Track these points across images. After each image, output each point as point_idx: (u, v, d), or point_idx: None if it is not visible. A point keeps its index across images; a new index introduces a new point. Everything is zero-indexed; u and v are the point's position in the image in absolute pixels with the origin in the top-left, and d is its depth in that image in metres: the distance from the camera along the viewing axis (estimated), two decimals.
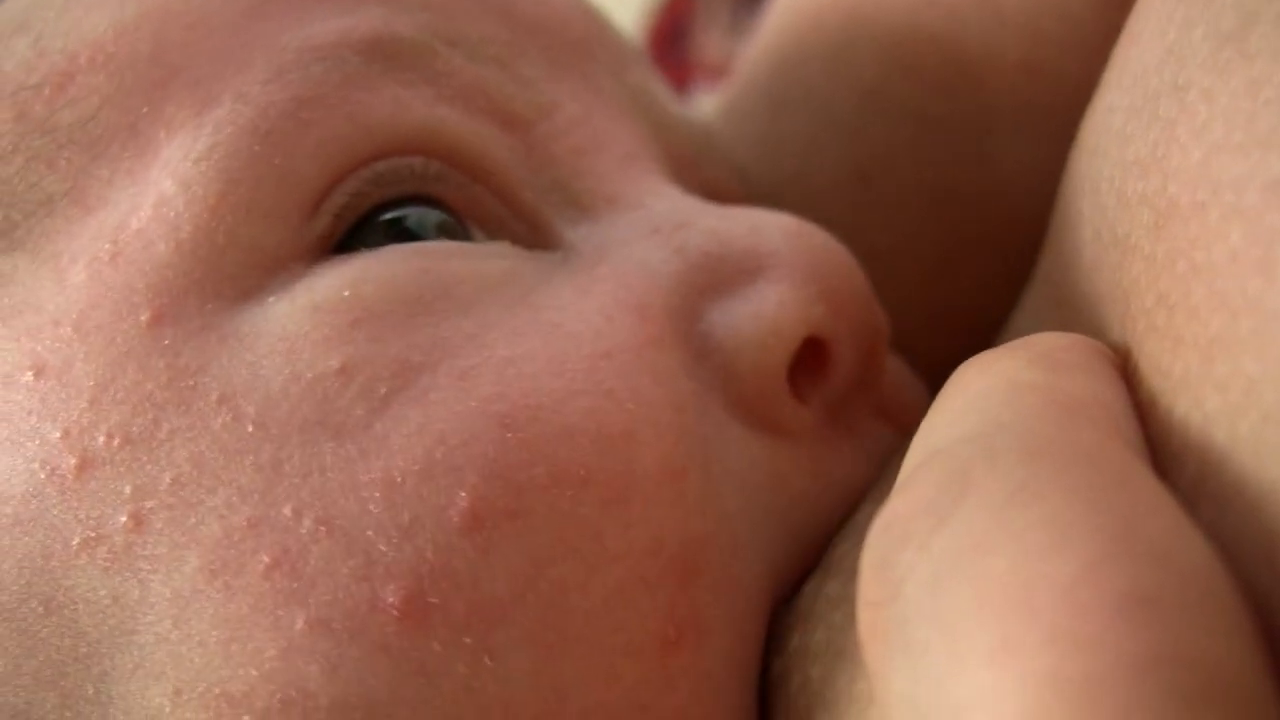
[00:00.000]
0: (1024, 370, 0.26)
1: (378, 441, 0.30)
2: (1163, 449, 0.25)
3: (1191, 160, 0.26)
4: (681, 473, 0.30)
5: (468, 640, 0.28)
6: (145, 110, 0.33)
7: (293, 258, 0.32)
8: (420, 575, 0.28)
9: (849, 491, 0.34)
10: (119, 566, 0.30)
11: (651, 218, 0.35)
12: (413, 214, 0.34)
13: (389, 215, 0.33)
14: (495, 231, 0.35)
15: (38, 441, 0.31)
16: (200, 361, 0.31)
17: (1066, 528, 0.22)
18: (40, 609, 0.30)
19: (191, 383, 0.31)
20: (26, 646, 0.30)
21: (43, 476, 0.30)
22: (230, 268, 0.32)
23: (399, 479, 0.29)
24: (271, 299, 0.32)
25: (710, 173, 0.41)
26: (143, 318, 0.31)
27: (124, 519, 0.30)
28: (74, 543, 0.30)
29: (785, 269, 0.34)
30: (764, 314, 0.33)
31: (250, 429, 0.30)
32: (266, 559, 0.29)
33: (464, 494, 0.29)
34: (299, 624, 0.28)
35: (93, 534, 0.30)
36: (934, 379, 0.32)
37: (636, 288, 0.33)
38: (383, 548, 0.29)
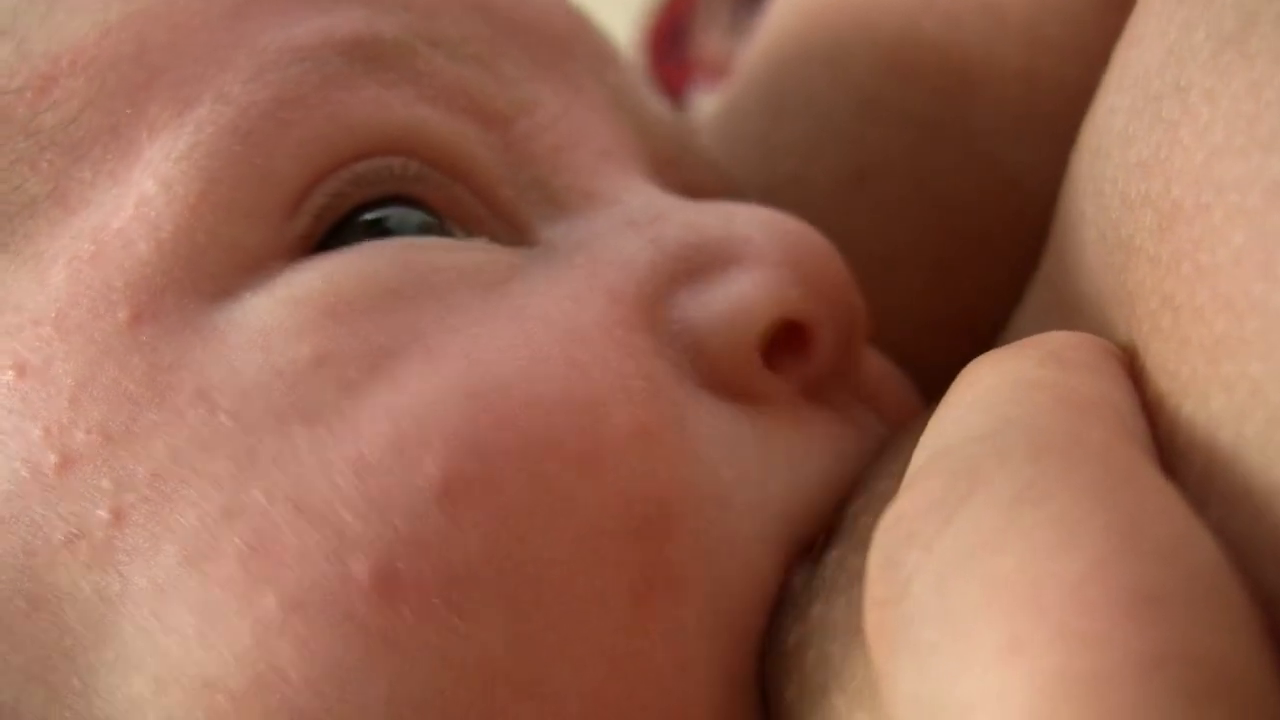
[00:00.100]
0: (1033, 368, 0.27)
1: (348, 423, 0.30)
2: (1170, 448, 0.26)
3: (1194, 162, 0.26)
4: (653, 433, 0.31)
5: (439, 606, 0.29)
6: (127, 112, 0.33)
7: (273, 257, 0.33)
8: (390, 546, 0.29)
9: (843, 445, 0.34)
10: (100, 561, 0.30)
11: (628, 212, 0.35)
12: (394, 215, 0.34)
13: (370, 216, 0.34)
14: (475, 230, 0.35)
15: (19, 440, 0.31)
16: (177, 357, 0.31)
17: (1074, 526, 0.22)
18: (25, 606, 0.30)
19: (168, 378, 0.31)
20: (13, 643, 0.30)
21: (25, 475, 0.31)
22: (210, 266, 0.32)
23: (369, 456, 0.30)
24: (249, 295, 0.32)
25: (691, 172, 0.41)
26: (121, 316, 0.31)
27: (104, 514, 0.30)
28: (56, 539, 0.30)
29: (759, 255, 0.34)
30: (736, 296, 0.33)
31: (225, 420, 0.30)
32: (240, 544, 0.29)
33: (432, 463, 0.29)
34: (271, 604, 0.29)
35: (74, 530, 0.30)
36: (935, 384, 0.32)
37: (608, 276, 0.33)
38: (353, 522, 0.29)
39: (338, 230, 0.34)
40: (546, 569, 0.29)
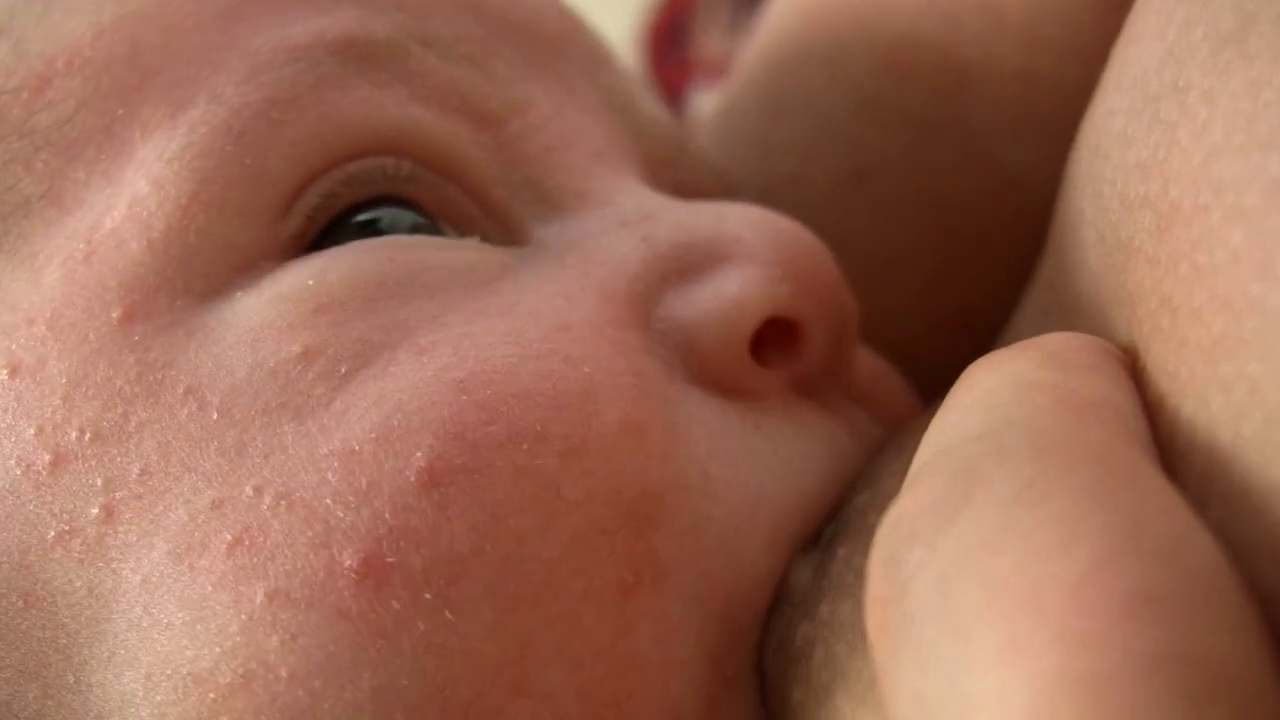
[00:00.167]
0: (1034, 370, 0.27)
1: (337, 417, 0.30)
2: (1171, 449, 0.26)
3: (1193, 162, 0.26)
4: (642, 427, 0.31)
5: (427, 596, 0.29)
6: (121, 112, 0.34)
7: (265, 257, 0.33)
8: (378, 537, 0.29)
9: (837, 441, 0.34)
10: (93, 558, 0.30)
11: (620, 212, 0.36)
12: (386, 215, 0.34)
13: (362, 217, 0.34)
14: (467, 230, 0.35)
15: (13, 439, 0.31)
16: (169, 356, 0.31)
17: (1074, 526, 0.22)
18: (20, 603, 0.31)
19: (159, 376, 0.31)
20: (8, 640, 0.31)
21: (18, 473, 0.31)
22: (202, 266, 0.32)
23: (357, 448, 0.30)
24: (240, 294, 0.32)
25: (686, 173, 0.41)
26: (114, 315, 0.32)
27: (96, 511, 0.30)
28: (50, 537, 0.30)
29: (750, 253, 0.34)
30: (726, 293, 0.34)
31: (215, 417, 0.31)
32: (229, 537, 0.29)
33: (420, 454, 0.29)
34: (259, 597, 0.29)
35: (67, 527, 0.30)
36: (935, 384, 0.32)
37: (599, 274, 0.33)
38: (340, 514, 0.29)
39: (330, 230, 0.34)
40: (535, 561, 0.29)
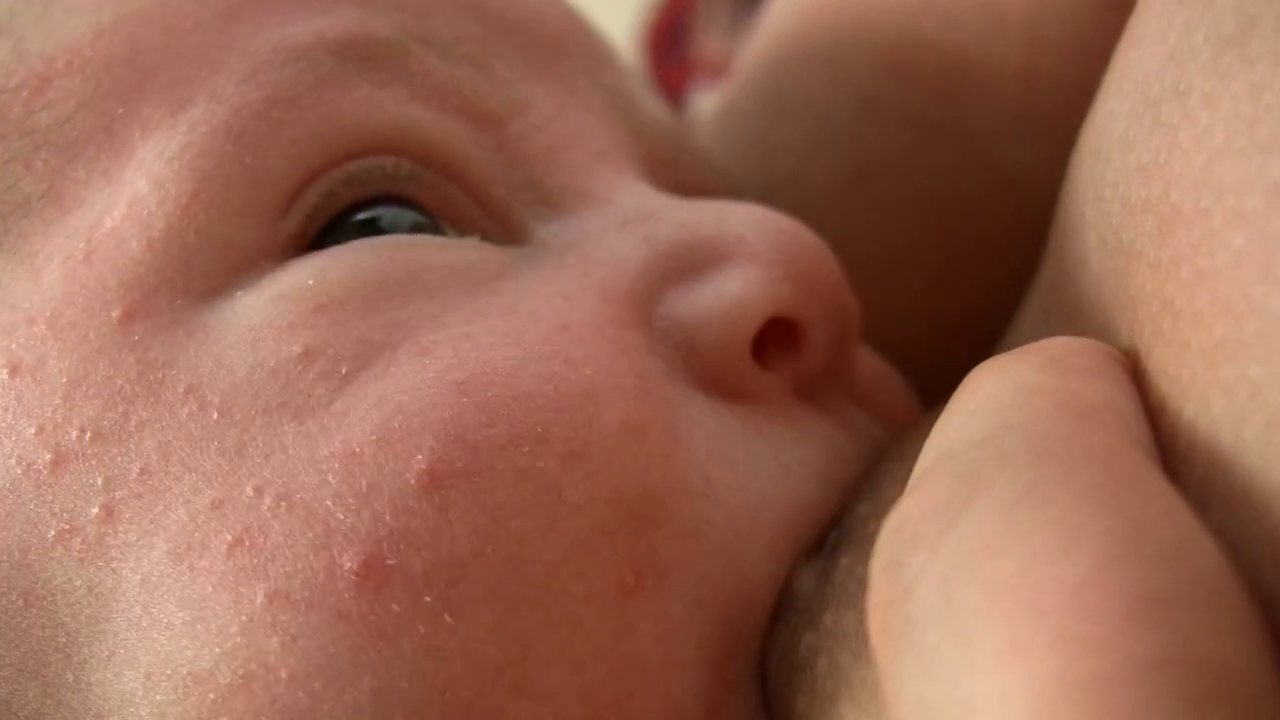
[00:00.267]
0: (1035, 374, 0.27)
1: (338, 418, 0.30)
2: (1172, 452, 0.26)
3: (1194, 166, 0.26)
4: (643, 429, 0.31)
5: (428, 599, 0.29)
6: (121, 112, 0.34)
7: (264, 256, 0.33)
8: (379, 539, 0.29)
9: (837, 447, 0.34)
10: (92, 557, 0.30)
11: (621, 212, 0.36)
12: (386, 214, 0.34)
13: (362, 216, 0.34)
14: (468, 230, 0.35)
15: (14, 438, 0.31)
16: (169, 355, 0.31)
17: (1075, 530, 0.22)
18: (20, 602, 0.31)
19: (159, 375, 0.31)
20: (8, 639, 0.31)
21: (19, 472, 0.31)
22: (201, 265, 0.32)
23: (358, 449, 0.30)
24: (240, 294, 0.32)
25: (688, 172, 0.41)
26: (114, 314, 0.32)
27: (96, 510, 0.30)
28: (50, 536, 0.31)
29: (752, 253, 0.34)
30: (728, 293, 0.34)
31: (215, 416, 0.31)
32: (229, 538, 0.29)
33: (421, 457, 0.30)
34: (259, 598, 0.29)
35: (67, 526, 0.30)
36: (935, 386, 0.32)
37: (600, 274, 0.33)
38: (341, 516, 0.29)
39: (330, 230, 0.34)
40: (536, 563, 0.29)
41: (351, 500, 0.29)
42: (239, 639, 0.29)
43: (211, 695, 0.29)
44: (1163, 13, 0.29)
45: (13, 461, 0.31)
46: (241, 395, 0.31)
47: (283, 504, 0.30)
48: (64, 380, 0.31)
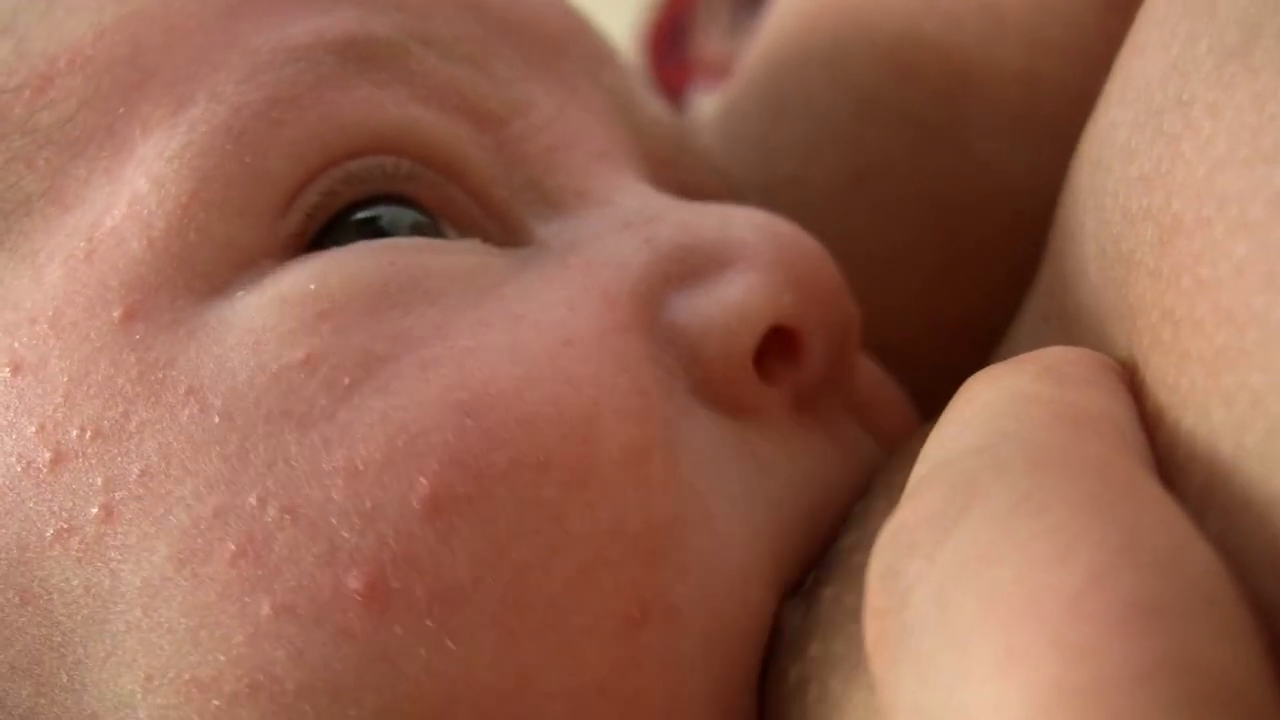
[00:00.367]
0: (1031, 383, 0.27)
1: (341, 430, 0.30)
2: (1170, 461, 0.26)
3: (1196, 175, 0.26)
4: (645, 455, 0.31)
5: (429, 624, 0.29)
6: (122, 111, 0.34)
7: (264, 255, 0.33)
8: (382, 561, 0.29)
9: (828, 474, 0.34)
10: (91, 557, 0.30)
11: (622, 213, 0.35)
12: (386, 213, 0.34)
13: (362, 215, 0.34)
14: (468, 230, 0.35)
15: (14, 436, 0.31)
16: (170, 355, 0.31)
17: (1071, 538, 0.22)
18: (16, 599, 0.31)
19: (160, 376, 0.31)
20: (3, 636, 0.31)
21: (19, 470, 0.31)
22: (201, 264, 0.32)
23: (361, 467, 0.30)
24: (240, 294, 0.32)
25: (689, 173, 0.41)
26: (115, 314, 0.32)
27: (95, 510, 0.30)
28: (48, 534, 0.31)
29: (753, 258, 0.34)
30: (730, 300, 0.33)
31: (216, 420, 0.31)
32: (233, 547, 0.29)
33: (424, 480, 0.29)
34: (265, 610, 0.29)
35: (66, 525, 0.30)
36: (934, 388, 0.32)
37: (603, 277, 0.33)
38: (346, 534, 0.29)
39: (330, 229, 0.34)
40: (537, 594, 0.29)
41: (356, 519, 0.29)
42: (244, 649, 0.29)
43: (215, 702, 0.29)
44: (1166, 22, 0.29)
45: (13, 459, 0.31)
46: (243, 400, 0.31)
47: (287, 517, 0.29)
48: (65, 379, 0.31)
